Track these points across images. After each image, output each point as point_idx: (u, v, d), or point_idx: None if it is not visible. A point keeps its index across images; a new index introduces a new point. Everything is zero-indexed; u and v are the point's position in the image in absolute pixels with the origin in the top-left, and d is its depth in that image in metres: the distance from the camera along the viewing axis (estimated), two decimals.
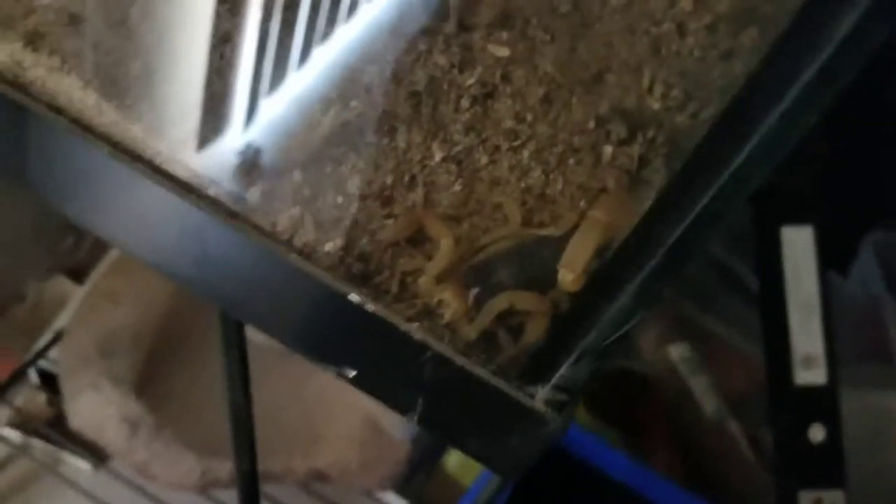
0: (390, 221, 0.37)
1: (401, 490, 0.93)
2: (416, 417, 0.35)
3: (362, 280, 0.35)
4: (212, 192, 0.34)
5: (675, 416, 1.00)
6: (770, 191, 0.72)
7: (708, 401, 0.99)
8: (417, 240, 0.37)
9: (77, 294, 1.04)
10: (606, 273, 0.32)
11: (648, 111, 0.44)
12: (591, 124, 0.42)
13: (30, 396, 0.97)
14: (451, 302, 0.34)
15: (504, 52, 0.41)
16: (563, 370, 0.33)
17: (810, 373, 0.75)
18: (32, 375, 0.96)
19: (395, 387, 0.36)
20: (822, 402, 0.75)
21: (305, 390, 0.92)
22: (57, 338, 0.97)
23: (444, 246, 0.36)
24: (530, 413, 0.34)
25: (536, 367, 0.34)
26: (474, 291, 0.35)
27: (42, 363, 0.96)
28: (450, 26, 0.41)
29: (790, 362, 0.74)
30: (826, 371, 0.75)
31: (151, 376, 0.88)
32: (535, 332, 0.35)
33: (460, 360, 0.34)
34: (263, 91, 0.40)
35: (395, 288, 0.35)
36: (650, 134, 0.43)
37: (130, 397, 0.85)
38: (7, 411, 0.95)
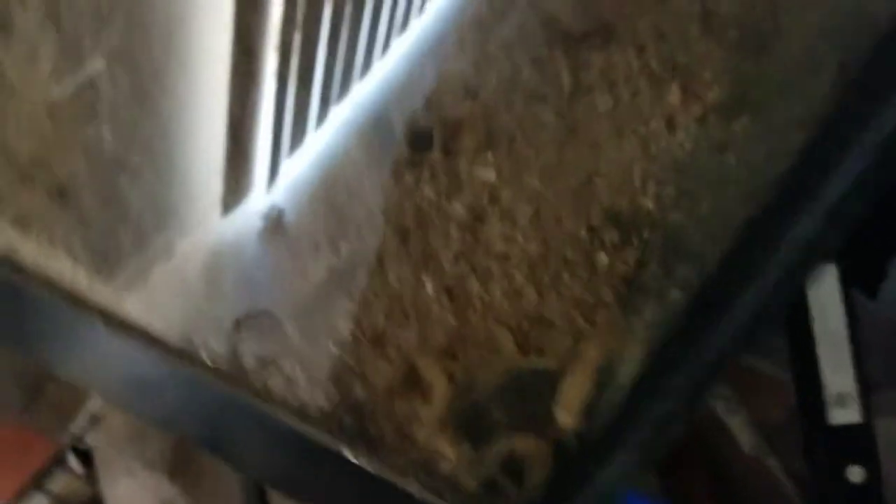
0: (384, 363, 0.37)
1: None
2: None
3: (358, 432, 0.35)
4: (205, 355, 0.35)
5: (712, 453, 0.98)
6: None
7: (745, 437, 0.97)
8: (412, 380, 0.37)
9: None
10: (612, 427, 0.31)
11: (642, 211, 0.43)
12: (583, 233, 0.42)
13: (68, 482, 0.98)
14: (449, 454, 0.34)
15: (491, 174, 0.41)
16: None
17: (844, 412, 0.74)
18: (70, 459, 0.97)
19: None
20: (858, 442, 0.73)
21: None
22: (94, 420, 0.98)
23: (439, 390, 0.35)
24: None
25: None
26: (469, 443, 0.34)
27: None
28: (434, 153, 0.41)
29: (823, 402, 0.73)
30: (860, 409, 0.73)
31: (182, 456, 0.89)
32: (537, 476, 0.34)
33: None
34: None
35: (390, 438, 0.35)
36: (645, 235, 0.42)
37: (164, 479, 0.86)
38: (46, 499, 0.96)
